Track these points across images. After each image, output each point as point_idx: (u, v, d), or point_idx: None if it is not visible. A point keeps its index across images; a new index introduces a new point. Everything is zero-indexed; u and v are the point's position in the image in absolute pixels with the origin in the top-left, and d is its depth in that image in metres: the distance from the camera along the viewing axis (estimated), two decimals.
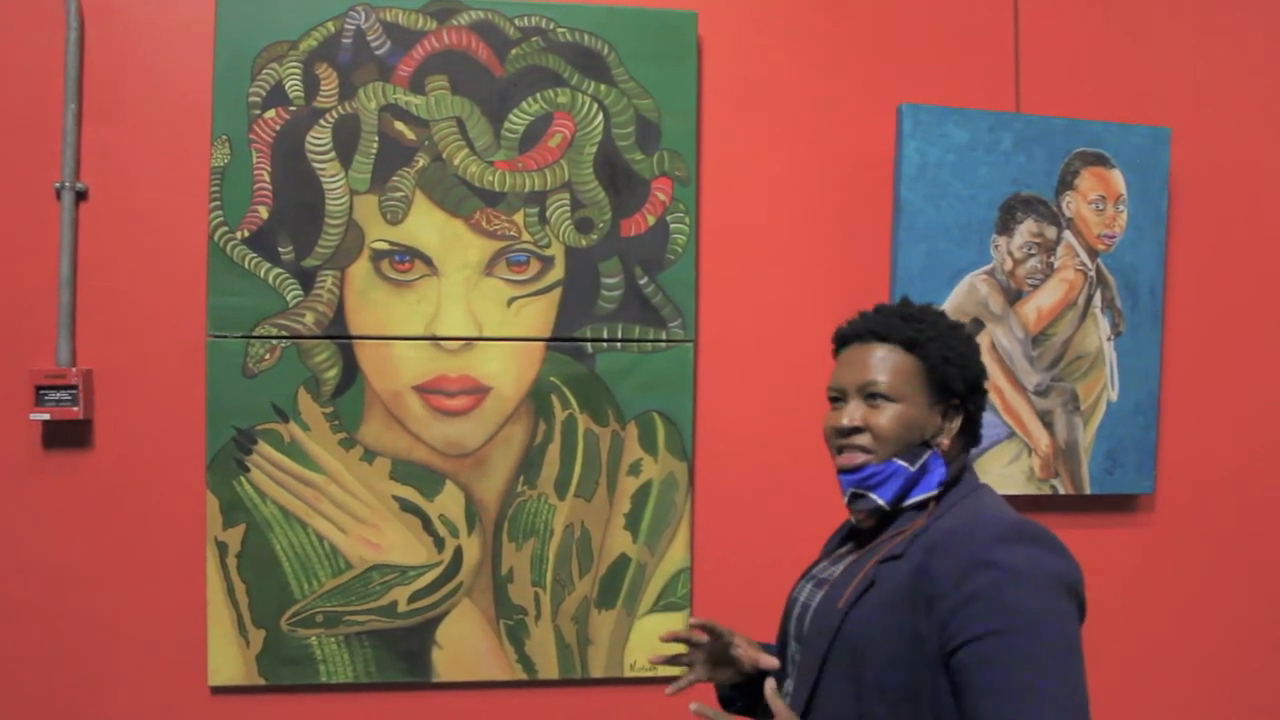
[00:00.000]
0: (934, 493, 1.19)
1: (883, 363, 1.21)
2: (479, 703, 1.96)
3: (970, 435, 1.25)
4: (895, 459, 1.19)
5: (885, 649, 1.09)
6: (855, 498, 1.21)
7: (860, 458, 1.20)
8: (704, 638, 1.29)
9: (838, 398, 1.25)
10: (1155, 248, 2.12)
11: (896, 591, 1.11)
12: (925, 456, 1.20)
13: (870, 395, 1.20)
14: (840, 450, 1.23)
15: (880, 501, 1.19)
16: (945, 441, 1.22)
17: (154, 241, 1.90)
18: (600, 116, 1.95)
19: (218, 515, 1.86)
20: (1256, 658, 2.24)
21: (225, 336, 1.86)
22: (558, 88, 1.94)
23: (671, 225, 1.97)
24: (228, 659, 1.86)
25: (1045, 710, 0.97)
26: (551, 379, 1.94)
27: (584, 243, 1.95)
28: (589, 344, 1.95)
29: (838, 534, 1.39)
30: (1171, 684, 2.20)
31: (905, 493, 1.19)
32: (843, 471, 1.22)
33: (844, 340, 1.27)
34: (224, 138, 1.86)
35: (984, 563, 1.05)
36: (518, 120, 1.93)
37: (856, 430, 1.20)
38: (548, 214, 1.94)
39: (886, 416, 1.19)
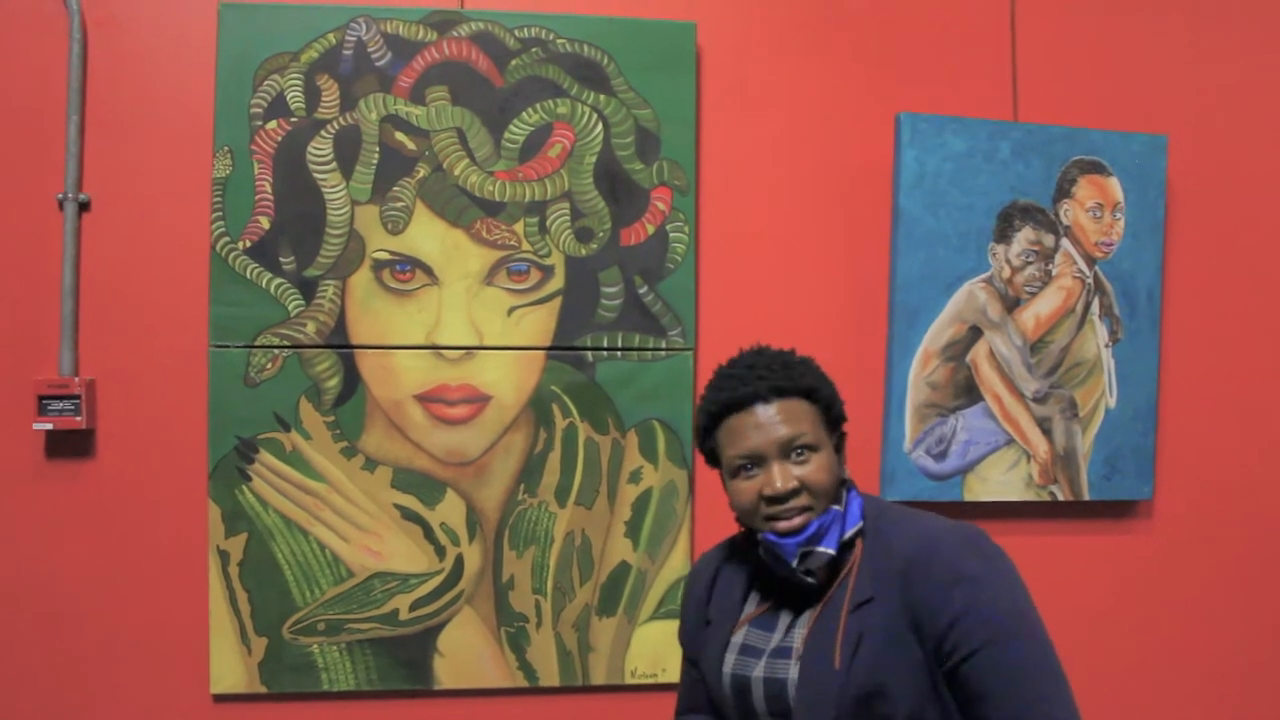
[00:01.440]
0: (860, 524, 1.22)
1: (795, 415, 1.19)
2: (480, 710, 1.96)
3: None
4: (832, 506, 1.20)
5: (904, 687, 1.12)
6: (805, 556, 1.18)
7: (800, 518, 1.17)
8: None
9: (748, 465, 1.19)
10: (1153, 255, 2.13)
11: (888, 631, 1.13)
12: (845, 494, 1.23)
13: (795, 450, 1.18)
14: (773, 517, 1.18)
15: (831, 551, 1.18)
16: (847, 472, 1.25)
17: (156, 252, 1.91)
18: (600, 126, 1.96)
19: (219, 524, 1.86)
20: (1256, 664, 2.24)
21: (227, 346, 1.87)
22: (557, 98, 1.95)
23: (671, 234, 1.98)
24: (230, 667, 1.87)
25: (1051, 688, 1.09)
26: (552, 388, 1.95)
27: (584, 252, 1.96)
28: (589, 353, 1.96)
29: (713, 601, 1.32)
30: (1170, 690, 2.21)
31: (841, 534, 1.20)
32: (786, 535, 1.17)
33: (738, 406, 1.20)
34: (226, 149, 1.87)
35: (958, 579, 1.11)
36: (518, 130, 1.94)
37: (794, 493, 1.17)
38: (548, 223, 1.95)
39: (815, 467, 1.18)
